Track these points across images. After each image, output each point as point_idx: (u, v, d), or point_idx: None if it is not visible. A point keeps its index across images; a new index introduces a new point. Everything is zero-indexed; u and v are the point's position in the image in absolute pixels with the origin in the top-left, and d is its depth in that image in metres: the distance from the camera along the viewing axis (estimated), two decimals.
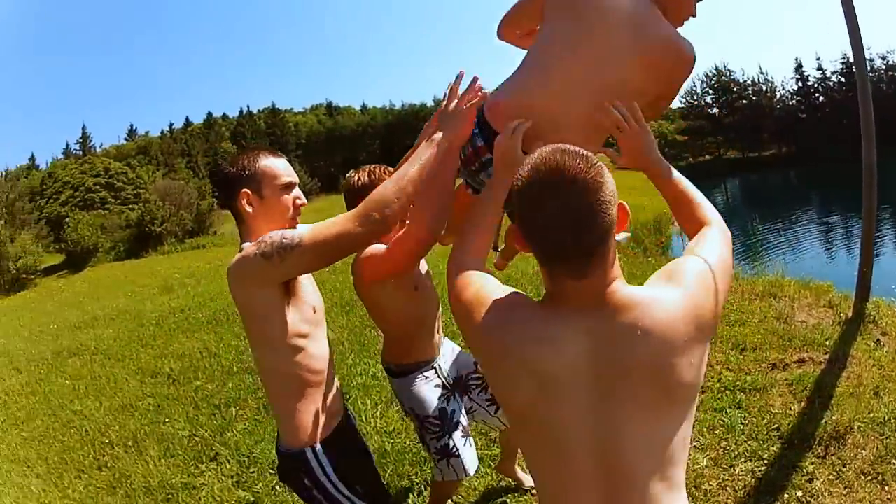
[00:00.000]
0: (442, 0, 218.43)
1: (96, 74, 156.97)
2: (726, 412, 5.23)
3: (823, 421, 4.90)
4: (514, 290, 1.81)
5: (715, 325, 1.68)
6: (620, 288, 1.61)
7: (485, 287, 1.84)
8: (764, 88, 66.00)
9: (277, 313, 2.41)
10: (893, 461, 4.49)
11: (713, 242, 1.87)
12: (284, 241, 2.28)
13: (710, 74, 66.86)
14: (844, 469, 4.43)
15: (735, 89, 66.35)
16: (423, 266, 3.39)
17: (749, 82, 67.03)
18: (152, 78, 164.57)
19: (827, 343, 6.59)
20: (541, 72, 2.40)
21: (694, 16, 2.47)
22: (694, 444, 4.91)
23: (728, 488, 4.29)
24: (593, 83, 2.27)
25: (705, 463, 4.64)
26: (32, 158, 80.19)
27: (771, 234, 28.01)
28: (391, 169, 3.26)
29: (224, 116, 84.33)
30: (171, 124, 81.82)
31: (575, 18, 2.31)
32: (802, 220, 32.32)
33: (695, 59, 2.31)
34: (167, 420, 6.87)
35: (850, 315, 7.59)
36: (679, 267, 1.74)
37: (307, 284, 2.67)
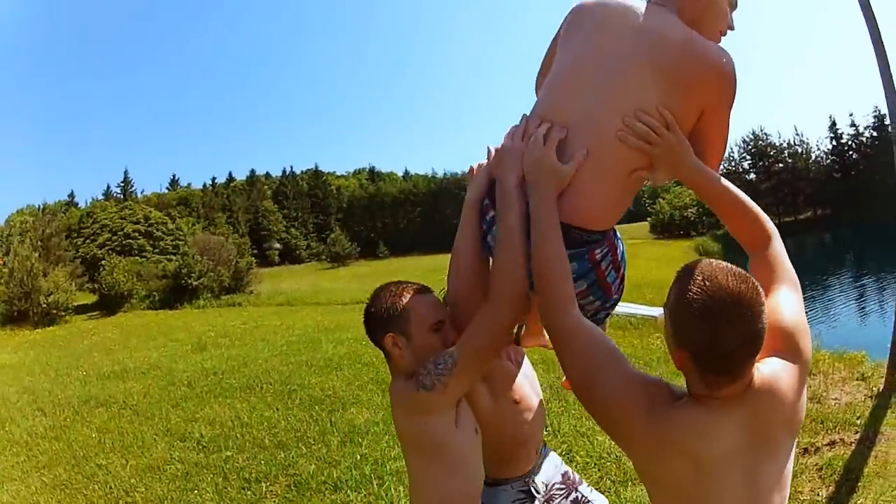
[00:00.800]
0: (488, 66, 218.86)
1: (144, 119, 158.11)
2: None
3: None
4: (647, 374, 1.94)
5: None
6: (755, 372, 1.76)
7: (621, 362, 1.93)
8: (799, 150, 65.86)
9: (453, 438, 2.36)
10: None
11: (789, 301, 1.98)
12: (439, 367, 2.25)
13: (748, 139, 66.84)
14: None
15: (772, 153, 66.24)
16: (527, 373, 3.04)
17: (785, 145, 66.94)
18: (198, 129, 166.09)
19: (858, 422, 6.44)
20: (547, 90, 2.39)
21: (731, 28, 2.36)
22: None
23: None
24: (606, 96, 2.17)
25: None
26: (72, 196, 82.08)
27: (806, 302, 27.66)
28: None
29: (267, 175, 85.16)
30: (213, 178, 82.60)
31: (580, 36, 2.30)
32: (835, 284, 31.98)
33: (726, 66, 2.13)
34: (195, 489, 6.74)
35: (881, 388, 7.44)
36: (785, 339, 1.87)
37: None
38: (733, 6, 2.36)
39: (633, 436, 1.85)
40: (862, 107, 68.21)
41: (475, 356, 2.25)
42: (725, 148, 2.44)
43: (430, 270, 41.53)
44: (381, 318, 2.38)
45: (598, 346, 1.94)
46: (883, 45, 7.71)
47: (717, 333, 1.63)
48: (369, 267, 51.98)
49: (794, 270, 2.02)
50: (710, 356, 1.68)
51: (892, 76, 7.69)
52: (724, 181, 2.19)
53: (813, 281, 31.37)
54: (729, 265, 1.72)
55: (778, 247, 2.13)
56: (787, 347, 1.85)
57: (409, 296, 2.41)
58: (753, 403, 1.75)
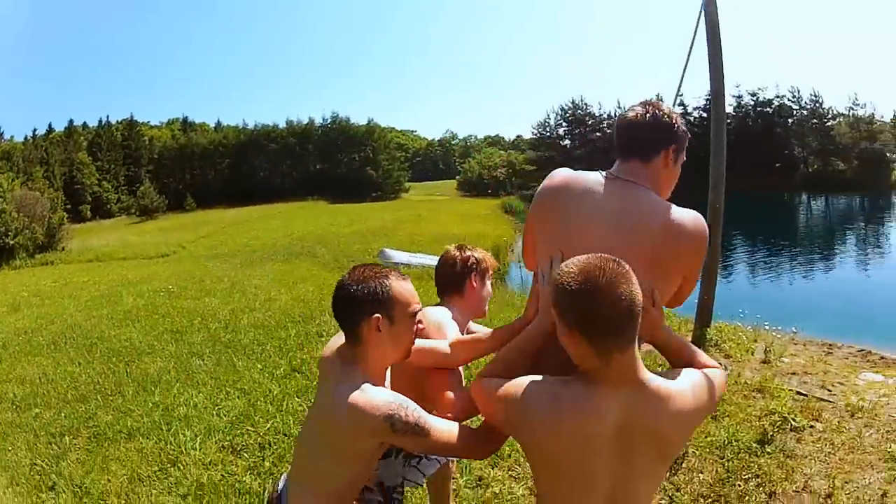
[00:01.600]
0: (308, 24, 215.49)
1: None
2: None
3: None
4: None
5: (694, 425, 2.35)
6: (642, 370, 2.15)
7: (518, 380, 2.27)
8: None
9: (363, 462, 2.55)
10: (738, 483, 4.99)
11: (714, 377, 2.37)
12: (418, 426, 2.38)
13: (566, 108, 68.59)
14: (679, 493, 4.88)
15: (590, 122, 68.25)
16: None
17: (605, 115, 69.00)
18: (21, 79, 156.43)
19: (661, 370, 7.02)
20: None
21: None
22: (510, 472, 5.31)
23: None
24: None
25: (521, 492, 5.00)
26: None
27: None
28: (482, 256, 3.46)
29: (84, 125, 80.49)
30: (34, 130, 76.76)
31: (562, 225, 2.58)
32: None
33: (702, 236, 2.51)
34: (11, 448, 6.73)
35: (689, 340, 8.12)
36: (688, 372, 2.33)
37: None
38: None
39: (529, 418, 2.18)
40: (697, 88, 70.44)
41: (441, 445, 2.47)
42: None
43: (234, 223, 40.90)
44: (366, 300, 2.46)
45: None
46: (718, 31, 8.34)
47: (594, 301, 1.99)
48: (176, 220, 50.71)
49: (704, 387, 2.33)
50: (592, 322, 2.01)
51: (721, 62, 8.38)
52: (674, 333, 2.55)
53: None
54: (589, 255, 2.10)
55: (717, 373, 2.44)
56: (695, 394, 2.24)
57: (394, 280, 2.53)
58: (643, 400, 2.11)
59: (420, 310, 2.61)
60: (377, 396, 2.37)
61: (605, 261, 2.04)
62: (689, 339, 8.21)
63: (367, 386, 2.40)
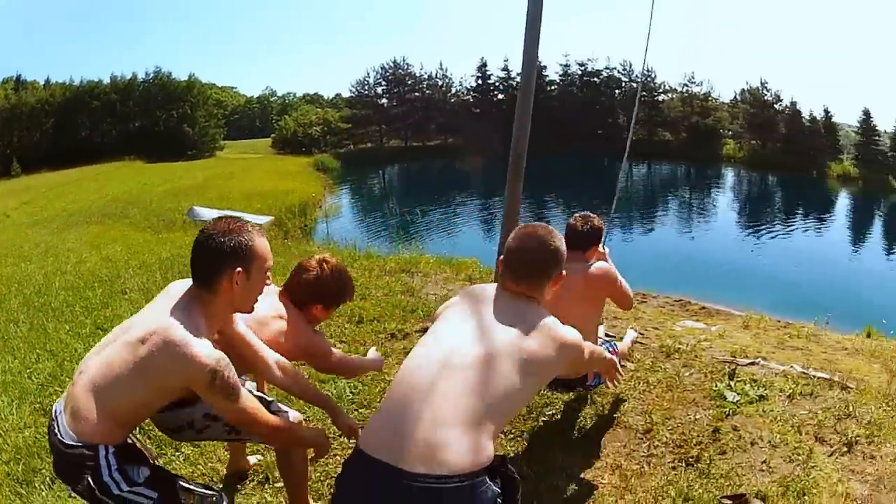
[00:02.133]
0: None
1: None
2: (335, 382, 5.50)
3: None
4: None
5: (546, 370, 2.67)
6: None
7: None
8: (440, 83, 68.47)
9: (160, 397, 2.60)
10: (542, 418, 5.13)
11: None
12: (234, 389, 2.53)
13: (386, 67, 68.40)
14: None
15: (410, 82, 68.38)
16: None
17: (425, 76, 69.33)
18: None
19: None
20: None
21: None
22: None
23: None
24: None
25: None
26: None
27: (438, 218, 29.70)
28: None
29: None
30: None
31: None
32: (460, 203, 35.05)
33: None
34: None
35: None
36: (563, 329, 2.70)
37: None
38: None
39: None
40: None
41: (243, 419, 2.66)
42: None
43: (55, 187, 38.96)
44: (229, 252, 2.54)
45: None
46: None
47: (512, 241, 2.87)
48: (3, 186, 47.94)
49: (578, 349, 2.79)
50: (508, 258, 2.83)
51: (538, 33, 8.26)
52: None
53: (437, 201, 33.47)
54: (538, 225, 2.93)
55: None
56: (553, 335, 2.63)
57: (254, 235, 2.62)
58: (531, 308, 2.72)
59: (271, 266, 2.75)
60: (209, 348, 2.47)
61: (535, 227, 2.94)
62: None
63: (203, 335, 2.50)
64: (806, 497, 4.36)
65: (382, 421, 2.42)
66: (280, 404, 3.21)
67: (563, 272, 2.87)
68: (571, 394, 5.24)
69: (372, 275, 9.21)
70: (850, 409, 5.69)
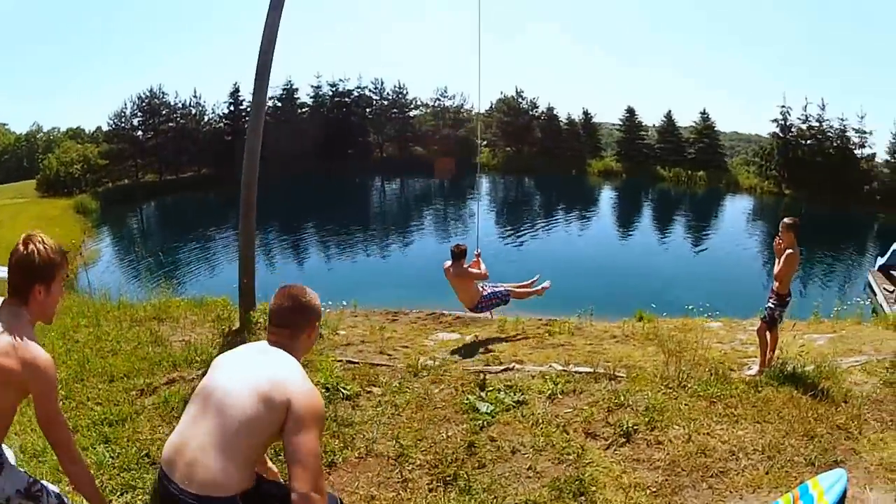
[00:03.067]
0: None
1: None
2: (94, 448, 5.02)
3: None
4: None
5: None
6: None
7: None
8: (194, 112, 66.50)
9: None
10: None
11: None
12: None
13: (143, 96, 65.62)
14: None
15: (164, 112, 65.98)
16: None
17: (180, 105, 67.00)
18: None
19: (200, 359, 6.85)
20: None
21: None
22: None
23: None
24: None
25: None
26: None
27: (181, 256, 28.88)
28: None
29: None
30: None
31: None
32: (213, 238, 33.86)
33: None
34: None
35: (238, 325, 8.27)
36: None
37: None
38: None
39: None
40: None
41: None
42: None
43: None
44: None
45: None
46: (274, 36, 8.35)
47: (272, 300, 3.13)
48: None
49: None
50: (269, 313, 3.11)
51: (272, 54, 8.44)
52: None
53: (195, 238, 32.44)
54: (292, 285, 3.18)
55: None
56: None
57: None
58: (283, 358, 2.98)
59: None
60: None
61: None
62: (238, 325, 8.47)
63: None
64: (585, 496, 4.36)
65: (172, 437, 2.86)
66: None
67: (318, 324, 3.27)
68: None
69: (123, 327, 8.65)
70: (622, 398, 5.81)
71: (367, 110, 64.14)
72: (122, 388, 6.33)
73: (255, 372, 2.86)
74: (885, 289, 22.17)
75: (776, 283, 7.53)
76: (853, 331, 10.46)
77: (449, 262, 9.56)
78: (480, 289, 9.70)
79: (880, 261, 24.82)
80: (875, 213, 42.57)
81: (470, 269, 9.60)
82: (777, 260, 7.46)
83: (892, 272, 23.47)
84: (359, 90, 64.23)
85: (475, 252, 9.85)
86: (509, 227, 32.69)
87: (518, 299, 10.13)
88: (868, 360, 7.78)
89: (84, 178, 57.74)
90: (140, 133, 62.21)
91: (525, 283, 10.24)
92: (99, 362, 6.86)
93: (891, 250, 23.75)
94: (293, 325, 3.08)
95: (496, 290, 9.87)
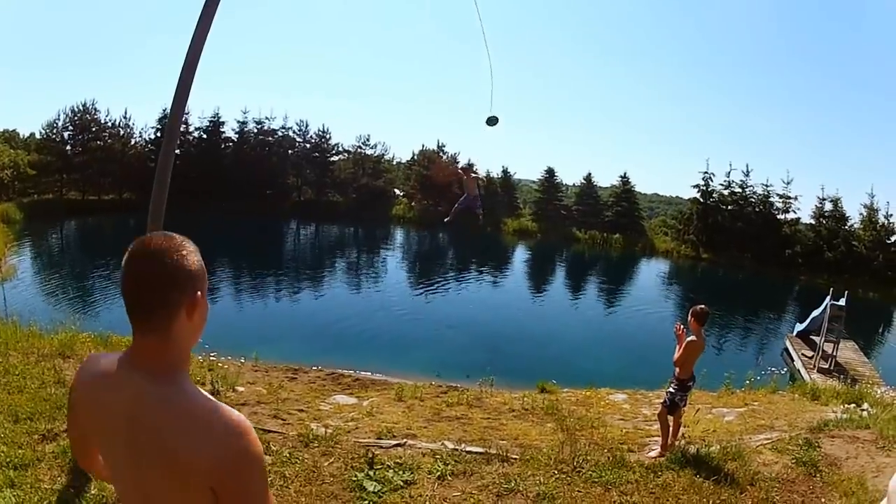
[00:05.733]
0: None
1: None
2: (2, 492, 4.90)
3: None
4: None
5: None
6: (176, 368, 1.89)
7: None
8: (122, 133, 65.13)
9: None
10: None
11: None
12: None
13: (77, 110, 64.05)
14: None
15: (94, 129, 64.46)
16: None
17: (110, 124, 65.56)
18: None
19: None
20: None
21: None
22: None
23: None
24: None
25: None
26: None
27: (96, 282, 27.59)
28: None
29: None
30: None
31: None
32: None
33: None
34: None
35: None
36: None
37: None
38: None
39: None
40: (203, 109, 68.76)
41: None
42: None
43: None
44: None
45: None
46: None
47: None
48: None
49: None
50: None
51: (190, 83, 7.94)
52: None
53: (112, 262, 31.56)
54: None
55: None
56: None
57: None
58: (153, 395, 1.81)
59: None
60: None
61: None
62: None
63: None
64: None
65: None
66: None
67: (204, 288, 2.01)
68: None
69: (30, 360, 8.46)
70: (514, 483, 5.68)
71: (290, 151, 63.82)
72: (25, 431, 6.18)
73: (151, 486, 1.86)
74: (803, 354, 22.27)
75: (677, 369, 7.50)
76: (766, 402, 10.57)
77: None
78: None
79: (799, 326, 24.95)
80: (796, 277, 43.73)
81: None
82: (678, 346, 7.41)
83: (811, 337, 23.51)
84: (283, 130, 63.84)
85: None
86: (421, 282, 32.45)
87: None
88: (780, 436, 7.86)
89: (12, 186, 55.87)
90: (69, 148, 60.59)
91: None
92: (6, 398, 6.74)
93: (811, 316, 23.76)
94: (163, 307, 1.86)
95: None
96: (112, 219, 50.03)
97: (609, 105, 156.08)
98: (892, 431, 7.72)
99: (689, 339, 7.35)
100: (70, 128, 61.08)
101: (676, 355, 7.50)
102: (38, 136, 62.43)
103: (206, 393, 1.85)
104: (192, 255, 1.93)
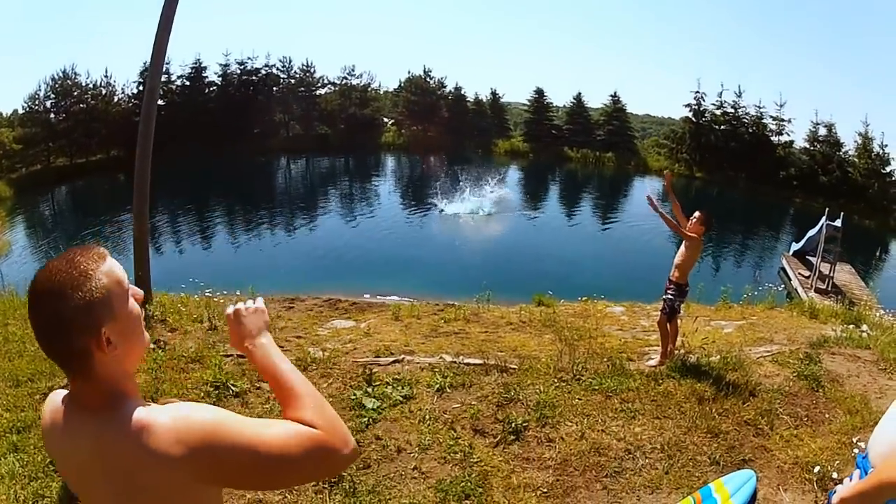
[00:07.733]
0: None
1: None
2: (5, 458, 4.95)
3: None
4: None
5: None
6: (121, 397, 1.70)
7: None
8: (104, 92, 64.32)
9: None
10: None
11: (285, 432, 1.81)
12: None
13: (57, 77, 63.22)
14: None
15: (76, 93, 63.72)
16: None
17: (91, 86, 64.76)
18: None
19: None
20: None
21: None
22: None
23: None
24: None
25: None
26: None
27: (92, 238, 27.41)
28: None
29: None
30: None
31: None
32: (127, 226, 32.33)
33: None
34: None
35: None
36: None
37: None
38: None
39: None
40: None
41: None
42: None
43: None
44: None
45: None
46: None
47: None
48: None
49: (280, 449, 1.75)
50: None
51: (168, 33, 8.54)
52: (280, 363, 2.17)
53: (107, 220, 31.36)
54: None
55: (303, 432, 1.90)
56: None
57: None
58: (119, 436, 1.62)
59: None
60: None
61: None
62: None
63: None
64: (471, 498, 4.30)
65: None
66: None
67: (112, 315, 1.71)
68: None
69: (28, 326, 8.02)
70: (513, 392, 5.74)
71: (275, 89, 63.26)
72: (27, 393, 6.18)
73: None
74: (800, 274, 22.39)
75: (676, 273, 7.43)
76: (765, 317, 10.53)
77: None
78: None
79: (795, 246, 25.06)
80: (791, 199, 43.52)
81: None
82: (685, 244, 7.28)
83: (808, 257, 23.62)
84: (266, 68, 63.15)
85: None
86: (414, 207, 32.31)
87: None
88: (780, 349, 7.81)
89: (0, 164, 55.65)
90: (52, 116, 60.04)
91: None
92: (6, 365, 6.70)
93: (807, 236, 23.75)
94: (71, 355, 1.65)
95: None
96: (102, 179, 49.71)
97: (598, 23, 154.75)
98: (894, 354, 7.69)
99: (693, 236, 7.19)
100: (52, 96, 60.32)
101: (680, 257, 7.39)
102: (21, 111, 61.56)
103: (147, 407, 1.71)
104: (90, 280, 1.64)
